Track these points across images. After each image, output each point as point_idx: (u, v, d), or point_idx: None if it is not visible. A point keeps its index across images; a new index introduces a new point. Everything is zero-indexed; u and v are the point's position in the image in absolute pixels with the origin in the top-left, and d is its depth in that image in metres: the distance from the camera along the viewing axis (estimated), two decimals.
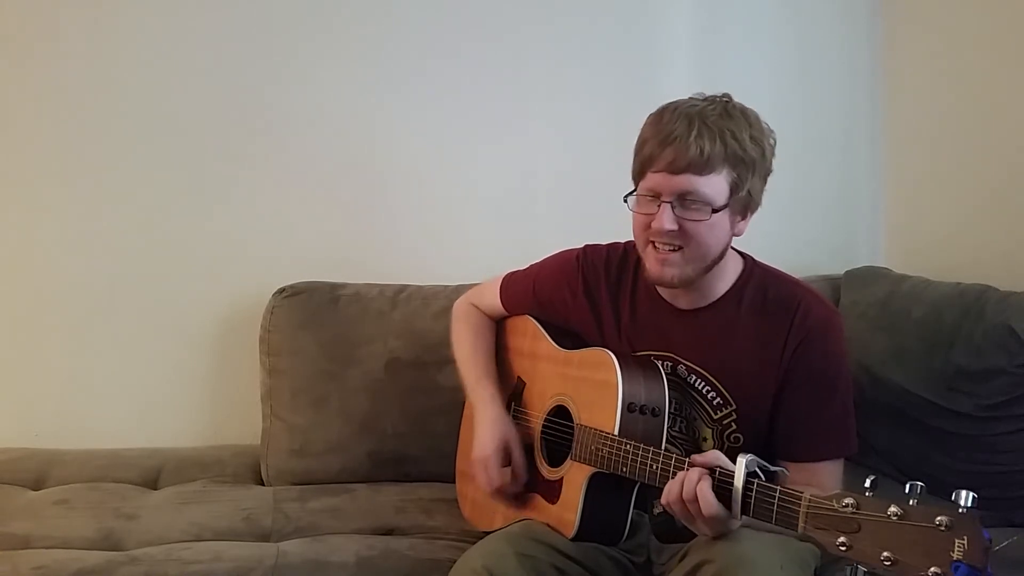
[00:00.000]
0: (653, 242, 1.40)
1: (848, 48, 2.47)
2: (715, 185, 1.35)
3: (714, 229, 1.37)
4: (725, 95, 1.40)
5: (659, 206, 1.36)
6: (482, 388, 1.65)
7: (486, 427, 1.59)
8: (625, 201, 1.42)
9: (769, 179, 1.42)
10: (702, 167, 1.33)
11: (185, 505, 1.85)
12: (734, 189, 1.36)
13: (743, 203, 1.39)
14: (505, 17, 2.27)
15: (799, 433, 1.41)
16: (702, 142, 1.32)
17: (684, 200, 1.35)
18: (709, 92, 1.42)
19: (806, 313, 1.41)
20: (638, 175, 1.41)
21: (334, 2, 2.19)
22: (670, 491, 1.26)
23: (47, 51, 2.08)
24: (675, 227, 1.36)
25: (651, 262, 1.42)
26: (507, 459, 1.57)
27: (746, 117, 1.38)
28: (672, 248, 1.38)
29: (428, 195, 2.28)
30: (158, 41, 2.12)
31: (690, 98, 1.40)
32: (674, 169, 1.34)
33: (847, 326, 1.62)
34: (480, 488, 1.60)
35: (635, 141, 1.42)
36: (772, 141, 1.41)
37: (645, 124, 1.40)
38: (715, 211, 1.35)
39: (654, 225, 1.37)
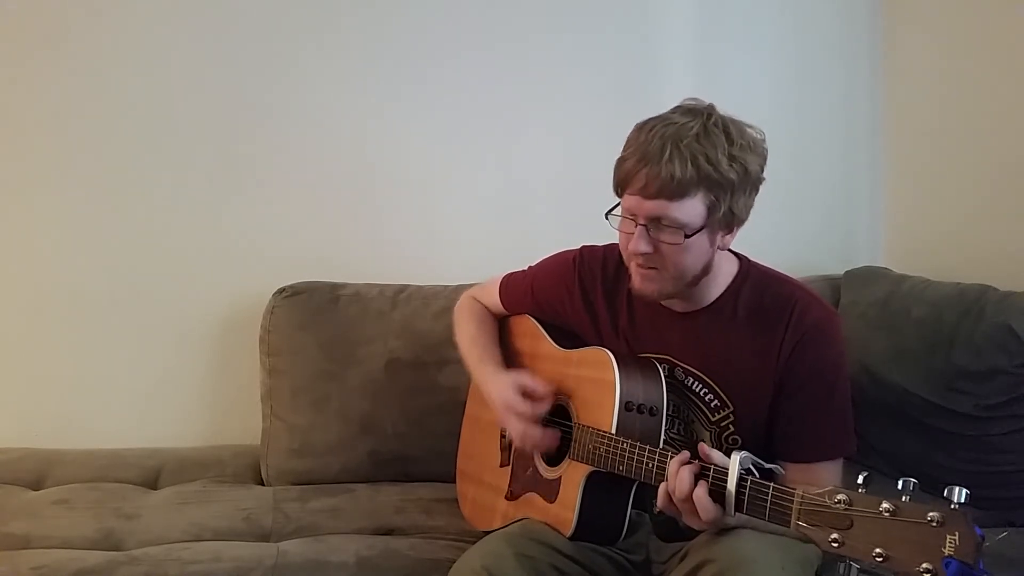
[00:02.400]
0: None
1: (848, 48, 2.47)
2: (689, 210, 1.33)
3: (690, 251, 1.36)
4: (709, 107, 1.37)
5: (635, 227, 1.36)
6: (484, 366, 1.64)
7: (495, 383, 1.57)
8: (607, 218, 1.41)
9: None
10: (673, 193, 1.31)
11: (185, 505, 1.85)
12: (712, 210, 1.34)
13: (725, 221, 1.37)
14: (505, 20, 2.28)
15: (797, 434, 1.41)
16: (672, 167, 1.30)
17: (658, 224, 1.34)
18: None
19: (802, 314, 1.40)
20: (618, 191, 1.40)
21: (335, 6, 2.19)
22: (662, 495, 1.27)
23: (48, 54, 2.08)
24: (649, 249, 1.36)
25: (633, 276, 1.43)
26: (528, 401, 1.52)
27: (727, 134, 1.33)
28: (650, 266, 1.39)
29: (428, 196, 2.28)
30: (159, 44, 2.12)
31: (672, 111, 1.37)
32: (646, 194, 1.33)
33: (847, 326, 1.62)
34: (519, 440, 1.52)
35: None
36: (762, 151, 1.37)
37: (628, 136, 1.38)
38: (688, 235, 1.34)
39: (630, 247, 1.37)
